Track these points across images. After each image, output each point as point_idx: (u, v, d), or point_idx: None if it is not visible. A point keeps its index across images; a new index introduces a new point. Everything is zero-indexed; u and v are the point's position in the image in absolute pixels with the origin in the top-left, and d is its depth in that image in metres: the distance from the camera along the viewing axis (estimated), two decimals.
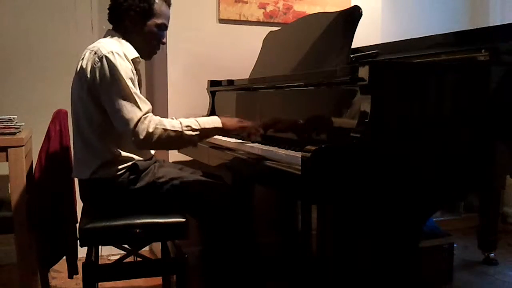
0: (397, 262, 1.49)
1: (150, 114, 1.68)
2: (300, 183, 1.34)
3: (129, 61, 1.73)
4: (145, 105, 1.68)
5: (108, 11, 1.87)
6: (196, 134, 1.72)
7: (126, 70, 1.69)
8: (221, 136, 2.02)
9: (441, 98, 1.47)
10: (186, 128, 1.70)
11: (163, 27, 1.89)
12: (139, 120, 1.64)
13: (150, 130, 1.64)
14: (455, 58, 1.72)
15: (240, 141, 1.94)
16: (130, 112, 1.65)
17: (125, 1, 1.80)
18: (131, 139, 1.66)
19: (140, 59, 1.84)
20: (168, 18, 1.91)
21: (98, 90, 1.69)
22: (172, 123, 1.69)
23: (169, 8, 1.92)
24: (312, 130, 1.69)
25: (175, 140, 1.70)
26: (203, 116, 2.33)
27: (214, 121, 1.77)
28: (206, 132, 1.76)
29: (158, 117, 1.70)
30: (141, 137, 1.64)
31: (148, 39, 1.88)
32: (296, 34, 2.21)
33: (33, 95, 2.70)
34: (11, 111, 2.26)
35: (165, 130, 1.67)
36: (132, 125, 1.64)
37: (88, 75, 1.70)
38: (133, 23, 1.83)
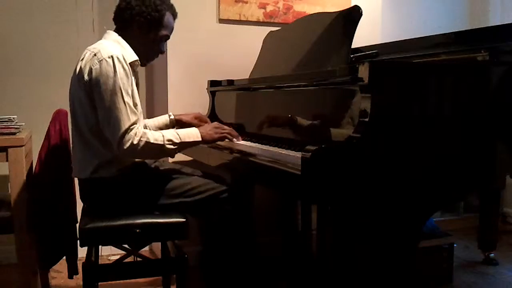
0: (397, 262, 1.49)
1: (136, 125, 1.69)
2: (300, 183, 1.34)
3: (127, 65, 1.72)
4: (133, 116, 1.69)
5: (115, 10, 1.85)
6: (176, 148, 1.76)
7: (122, 76, 1.68)
8: None
9: (441, 98, 1.47)
10: (167, 142, 1.73)
11: (166, 38, 1.91)
12: (125, 131, 1.66)
13: (135, 142, 1.66)
14: (455, 58, 1.72)
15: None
16: (118, 120, 1.66)
17: (137, 6, 1.80)
18: (115, 147, 1.68)
19: (139, 62, 1.84)
20: (172, 30, 1.92)
21: (93, 93, 1.70)
22: (155, 136, 1.71)
23: (175, 21, 1.93)
24: (312, 130, 1.69)
25: (156, 152, 1.76)
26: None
27: (194, 135, 1.80)
28: (186, 145, 1.81)
29: (142, 129, 1.71)
30: (125, 147, 1.66)
31: (150, 47, 1.89)
32: (296, 34, 2.21)
33: (33, 95, 2.70)
34: (11, 111, 2.25)
35: (148, 143, 1.68)
36: (118, 134, 1.66)
37: (86, 77, 1.69)
38: (140, 29, 1.83)
